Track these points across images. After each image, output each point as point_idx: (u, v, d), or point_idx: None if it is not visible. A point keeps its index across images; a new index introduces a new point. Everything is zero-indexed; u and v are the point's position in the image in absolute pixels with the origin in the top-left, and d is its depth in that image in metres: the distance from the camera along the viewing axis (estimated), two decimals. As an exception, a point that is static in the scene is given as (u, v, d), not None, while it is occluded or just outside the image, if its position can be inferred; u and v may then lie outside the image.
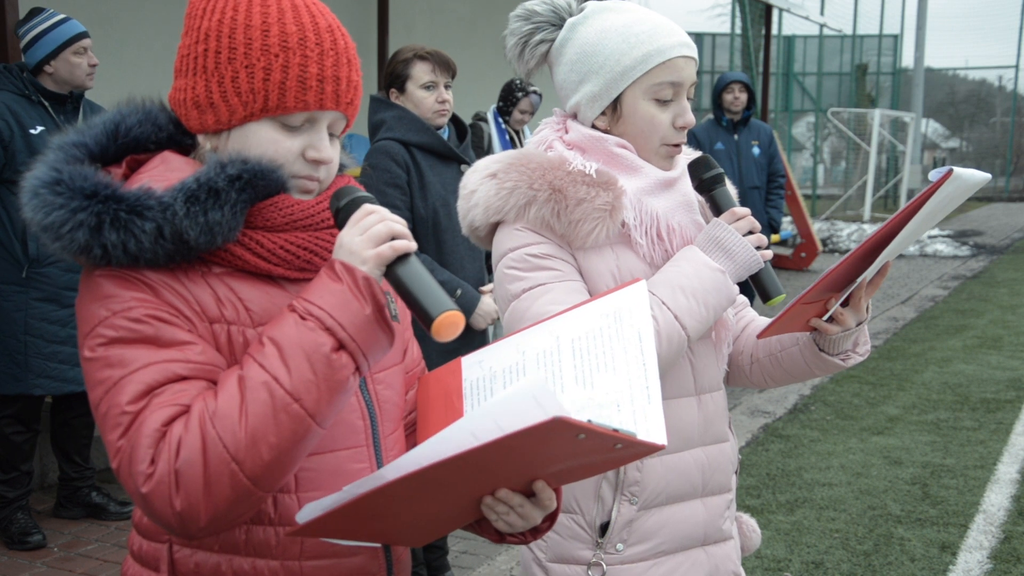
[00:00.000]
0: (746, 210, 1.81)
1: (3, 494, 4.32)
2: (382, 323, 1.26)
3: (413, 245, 1.30)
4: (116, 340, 1.25)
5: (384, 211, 1.31)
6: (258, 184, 1.31)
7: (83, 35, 4.30)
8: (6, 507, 4.33)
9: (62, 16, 4.32)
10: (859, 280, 1.78)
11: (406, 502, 1.24)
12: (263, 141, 1.34)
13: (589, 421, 1.11)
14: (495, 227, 1.84)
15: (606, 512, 1.81)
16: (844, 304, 1.82)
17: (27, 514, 4.37)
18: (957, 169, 1.56)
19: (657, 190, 1.83)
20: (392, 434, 1.48)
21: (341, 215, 1.33)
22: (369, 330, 1.24)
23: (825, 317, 1.83)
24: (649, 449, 1.24)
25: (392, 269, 1.29)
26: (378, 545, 1.43)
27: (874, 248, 1.70)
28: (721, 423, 1.91)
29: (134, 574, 1.41)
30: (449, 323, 1.25)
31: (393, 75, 3.61)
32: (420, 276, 1.28)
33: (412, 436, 1.57)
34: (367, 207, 1.31)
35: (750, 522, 2.11)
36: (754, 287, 1.83)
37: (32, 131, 4.17)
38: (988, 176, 1.69)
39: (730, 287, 1.77)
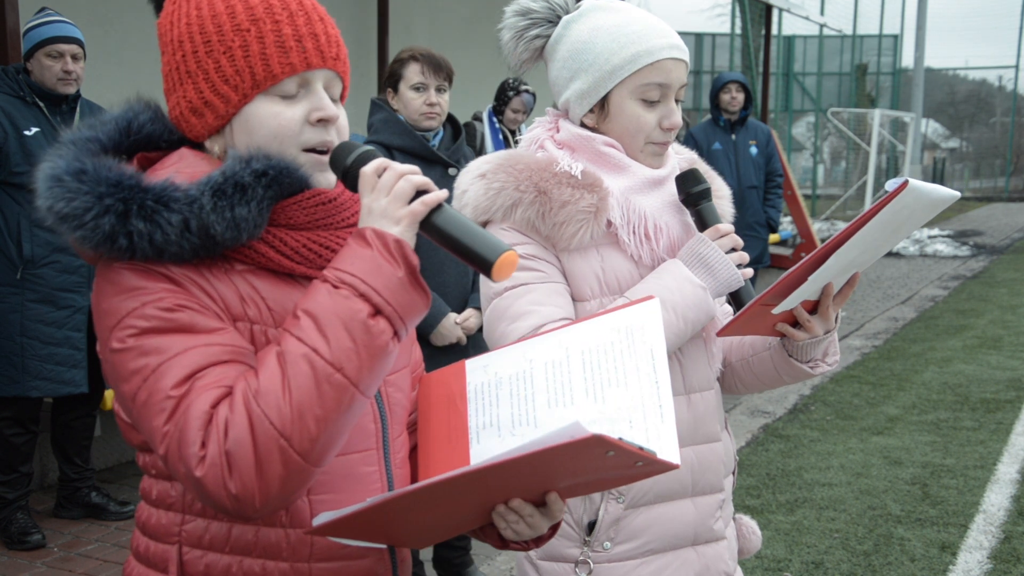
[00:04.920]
0: (730, 227, 1.81)
1: (3, 495, 4.32)
2: (416, 285, 1.24)
3: (443, 194, 1.28)
4: (149, 330, 1.22)
5: (395, 165, 1.29)
6: (283, 181, 1.30)
7: (63, 39, 4.21)
8: (5, 508, 4.33)
9: (56, 18, 4.28)
10: (818, 280, 1.72)
11: (424, 508, 1.25)
12: (264, 118, 1.33)
13: (620, 439, 1.13)
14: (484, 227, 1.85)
15: (593, 510, 1.82)
16: (813, 312, 1.83)
17: (27, 514, 4.37)
18: (913, 181, 1.54)
19: (645, 188, 1.84)
20: (399, 437, 1.48)
21: (350, 176, 1.32)
22: (404, 293, 1.23)
23: (778, 309, 1.77)
24: (664, 468, 1.24)
25: (430, 222, 1.27)
26: (384, 547, 1.43)
27: (831, 252, 1.67)
28: (712, 423, 1.91)
29: (139, 575, 1.39)
30: (509, 263, 1.25)
31: (390, 74, 3.64)
32: (461, 222, 1.27)
33: (412, 436, 1.57)
34: (375, 164, 1.29)
35: (751, 524, 2.10)
36: (733, 303, 1.84)
37: (26, 132, 4.17)
38: (955, 194, 1.67)
39: (710, 304, 1.77)
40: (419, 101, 3.55)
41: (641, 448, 1.16)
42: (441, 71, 3.58)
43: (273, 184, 1.29)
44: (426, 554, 4.00)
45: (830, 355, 1.93)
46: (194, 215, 1.24)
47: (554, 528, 1.41)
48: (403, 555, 1.49)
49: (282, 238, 1.32)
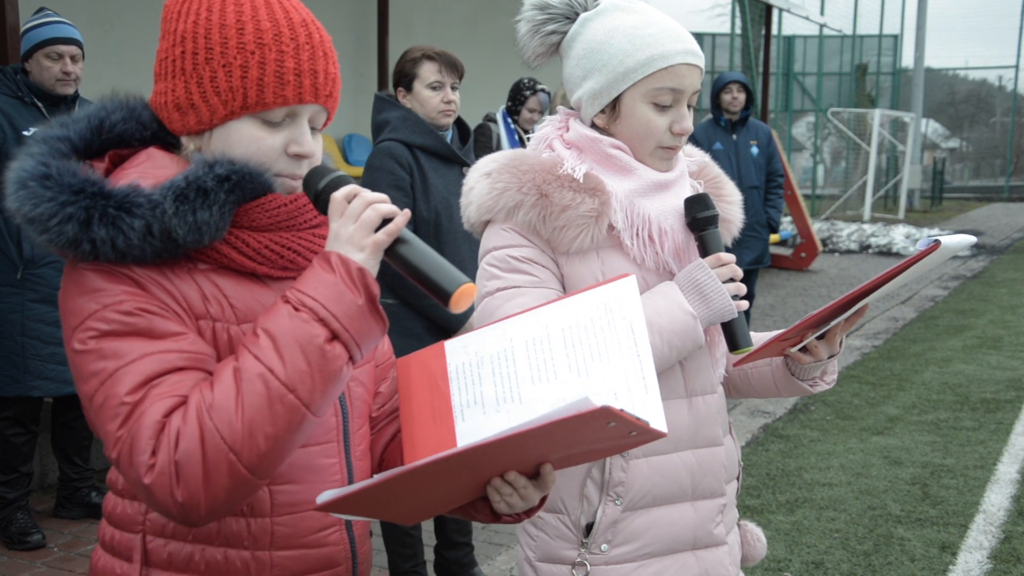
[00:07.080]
0: (731, 257, 1.80)
1: (3, 495, 4.32)
2: (375, 313, 1.28)
3: (403, 220, 1.31)
4: (109, 333, 1.26)
5: (366, 192, 1.32)
6: (246, 186, 1.34)
7: (62, 40, 4.21)
8: (5, 508, 4.33)
9: (55, 18, 4.28)
10: (836, 320, 1.85)
11: (428, 482, 1.27)
12: (245, 139, 1.36)
13: (623, 410, 1.17)
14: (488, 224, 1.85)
15: (591, 512, 1.82)
16: (820, 338, 1.89)
17: (27, 514, 4.37)
18: (944, 241, 1.65)
19: (651, 192, 1.83)
20: (359, 430, 1.52)
21: (321, 201, 1.35)
22: (362, 320, 1.27)
23: (798, 347, 1.89)
24: (655, 436, 1.27)
25: (394, 251, 1.31)
26: (344, 534, 1.46)
27: (856, 299, 1.78)
28: (714, 426, 1.90)
29: (104, 564, 1.42)
30: (467, 294, 1.29)
31: (401, 74, 3.64)
32: (425, 253, 1.31)
33: (392, 424, 1.60)
34: (346, 191, 1.32)
35: (756, 531, 2.09)
36: (724, 334, 1.84)
37: (25, 132, 4.16)
38: (973, 239, 1.78)
39: (698, 333, 1.76)
40: (436, 99, 3.58)
41: (638, 418, 1.20)
42: (455, 69, 3.63)
43: (236, 189, 1.32)
44: (429, 555, 4.00)
45: (829, 374, 1.98)
46: (156, 219, 1.27)
47: (543, 500, 1.44)
48: (362, 544, 1.52)
49: (244, 239, 1.35)
